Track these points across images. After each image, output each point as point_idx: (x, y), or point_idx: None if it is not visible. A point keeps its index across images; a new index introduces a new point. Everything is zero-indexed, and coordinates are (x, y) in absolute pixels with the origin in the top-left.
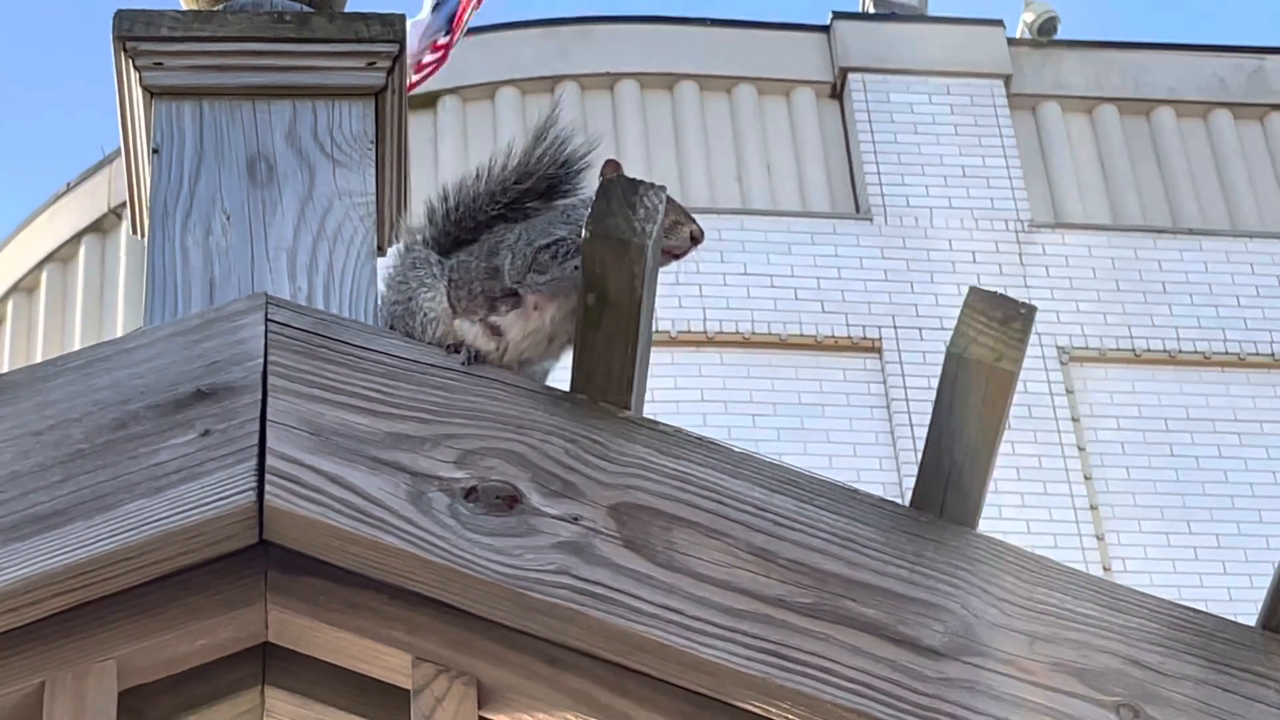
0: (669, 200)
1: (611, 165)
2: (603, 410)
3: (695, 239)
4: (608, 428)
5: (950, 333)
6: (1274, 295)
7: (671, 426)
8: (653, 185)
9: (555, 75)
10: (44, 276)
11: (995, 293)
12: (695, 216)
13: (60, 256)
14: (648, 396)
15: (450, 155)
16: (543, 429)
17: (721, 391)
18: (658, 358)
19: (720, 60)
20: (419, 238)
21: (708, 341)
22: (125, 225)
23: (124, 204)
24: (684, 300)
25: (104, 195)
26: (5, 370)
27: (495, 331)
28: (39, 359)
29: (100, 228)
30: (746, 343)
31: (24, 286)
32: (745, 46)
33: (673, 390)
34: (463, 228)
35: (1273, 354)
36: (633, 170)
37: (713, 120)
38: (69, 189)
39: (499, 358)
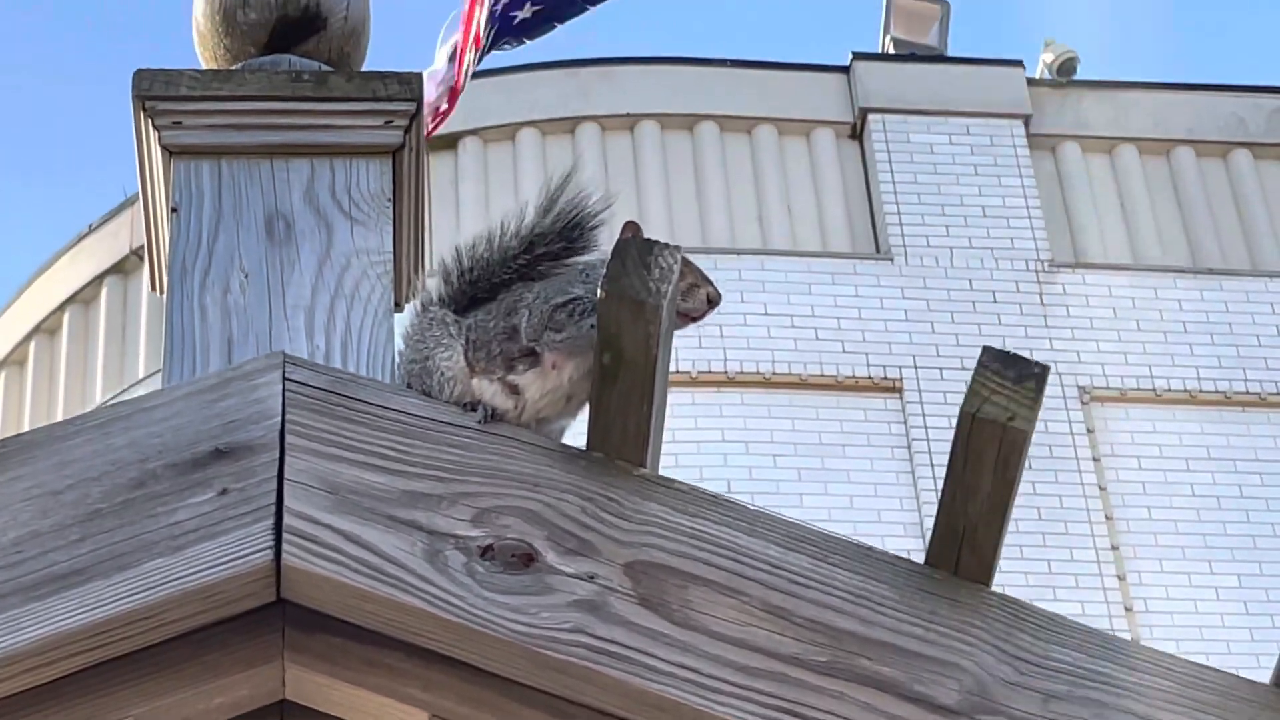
0: (685, 261)
1: (630, 226)
2: (618, 468)
3: (712, 301)
4: (623, 486)
5: (971, 373)
6: None
7: (687, 484)
8: (668, 246)
9: (576, 116)
10: (66, 318)
11: (1009, 352)
12: (712, 277)
13: (82, 298)
14: (669, 437)
15: (471, 196)
16: (558, 487)
17: (742, 432)
18: (678, 398)
19: (741, 101)
20: (436, 296)
21: (728, 382)
22: (147, 267)
23: (144, 246)
24: (704, 340)
25: (126, 237)
26: (27, 409)
27: (513, 390)
28: (60, 400)
29: (122, 269)
30: (767, 383)
31: (46, 328)
32: (765, 87)
33: (693, 430)
34: (479, 287)
35: None
36: (653, 210)
37: (733, 160)
38: (91, 230)
39: (516, 416)
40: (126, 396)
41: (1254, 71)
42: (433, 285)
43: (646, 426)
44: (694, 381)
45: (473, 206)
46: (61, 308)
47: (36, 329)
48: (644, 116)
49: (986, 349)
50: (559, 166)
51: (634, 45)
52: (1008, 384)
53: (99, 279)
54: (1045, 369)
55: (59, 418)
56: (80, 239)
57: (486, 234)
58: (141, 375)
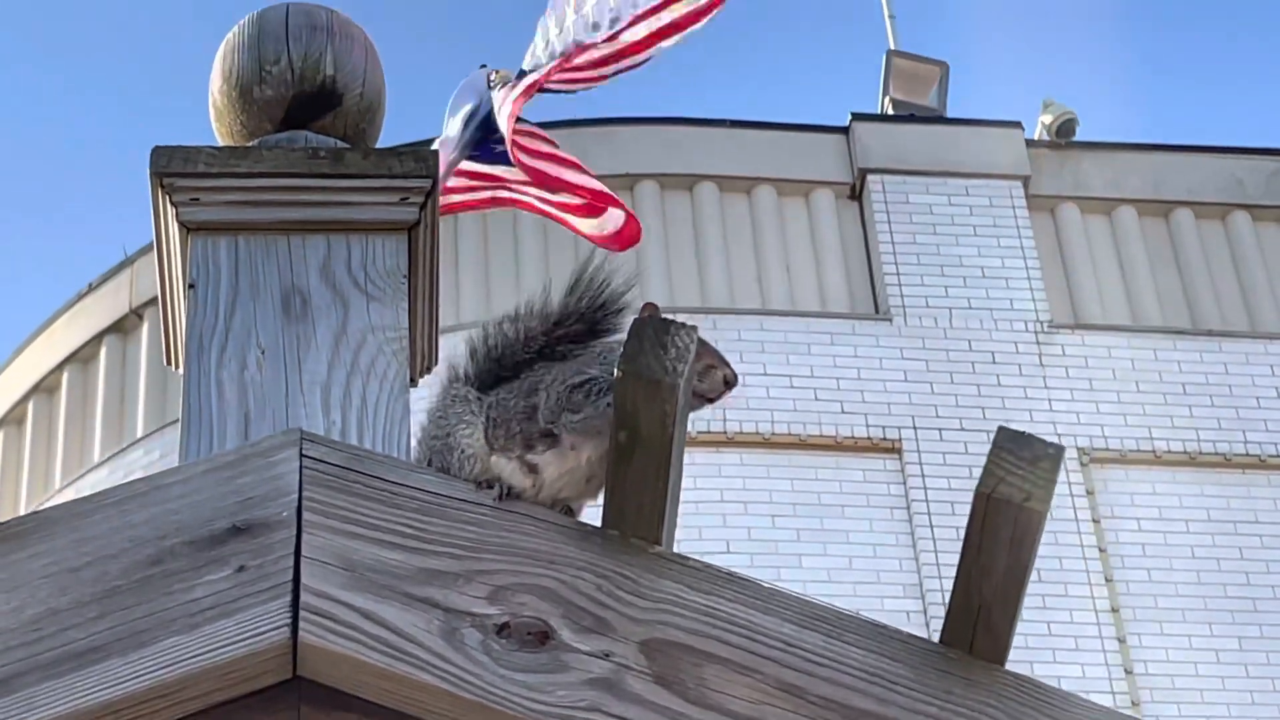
0: (702, 342)
1: (649, 308)
2: (634, 546)
3: (729, 384)
4: (639, 563)
5: (970, 433)
6: None
7: (701, 562)
8: (684, 325)
9: None
10: (65, 377)
11: (1023, 433)
12: (730, 359)
13: (81, 357)
14: None
15: (470, 257)
16: (574, 565)
17: (741, 492)
18: None
19: (740, 161)
20: (460, 373)
21: (727, 442)
22: (146, 326)
23: (146, 304)
24: None
25: (125, 296)
26: (25, 468)
27: (531, 469)
28: (59, 459)
29: (121, 328)
30: (766, 443)
31: (45, 386)
32: (765, 147)
33: (692, 490)
34: (503, 365)
35: None
36: (653, 270)
37: (732, 220)
38: (91, 289)
39: (534, 495)
40: (125, 456)
41: (1252, 134)
42: (458, 361)
43: (662, 505)
44: (693, 441)
45: (472, 269)
46: (60, 367)
47: (35, 388)
48: (643, 176)
49: (1002, 429)
50: (558, 226)
51: (633, 105)
52: (1023, 464)
53: (98, 338)
54: (1060, 449)
55: (57, 477)
56: (80, 298)
57: (512, 312)
58: (140, 435)
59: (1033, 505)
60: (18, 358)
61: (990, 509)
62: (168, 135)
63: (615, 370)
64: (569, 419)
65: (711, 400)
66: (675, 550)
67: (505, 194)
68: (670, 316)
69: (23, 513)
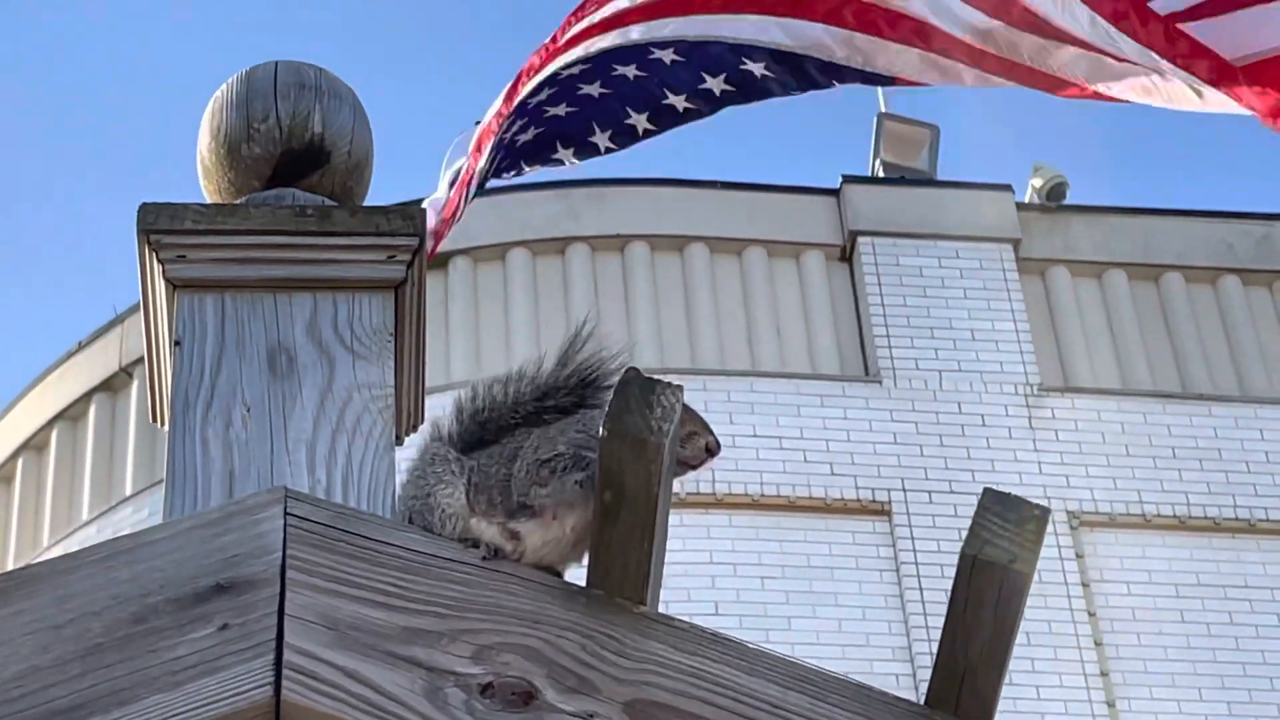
0: (686, 408)
1: (629, 372)
2: (618, 606)
3: (711, 451)
4: (623, 624)
5: (960, 496)
6: None
7: (687, 622)
8: (670, 385)
9: (566, 236)
10: (54, 435)
11: (1010, 495)
12: (713, 426)
13: (70, 415)
14: None
15: (460, 315)
16: (559, 624)
17: (730, 554)
18: None
19: (730, 223)
20: (443, 433)
21: (717, 503)
22: (136, 384)
23: (135, 362)
24: None
25: (115, 354)
26: (14, 526)
27: (514, 536)
28: (47, 518)
29: (111, 386)
30: (755, 505)
31: (34, 444)
32: (755, 209)
33: (681, 552)
34: (487, 429)
35: None
36: (643, 330)
37: (723, 282)
38: (80, 347)
39: (517, 560)
40: (114, 514)
41: (1242, 198)
42: (441, 420)
43: (647, 564)
44: (682, 503)
45: (461, 326)
46: (50, 424)
47: (24, 445)
48: (634, 237)
49: (988, 490)
50: (548, 287)
51: (624, 166)
52: (1009, 526)
53: (87, 396)
54: (1046, 511)
55: (46, 535)
56: (69, 356)
57: (503, 378)
58: (129, 493)
59: (1019, 567)
60: (7, 416)
61: (976, 571)
62: (157, 193)
63: (600, 429)
64: (538, 493)
65: (693, 467)
66: (661, 611)
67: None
68: (656, 376)
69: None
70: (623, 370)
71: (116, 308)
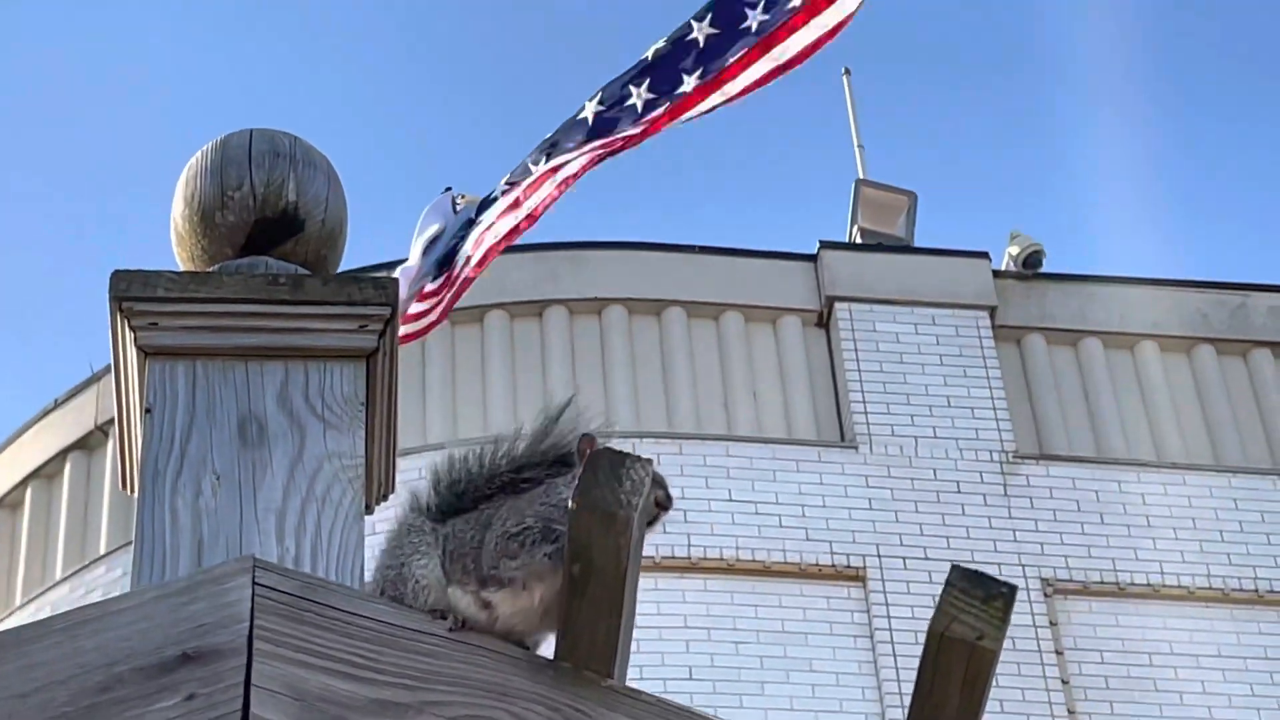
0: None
1: (587, 441)
2: (586, 679)
3: (661, 506)
4: (591, 697)
5: (934, 563)
6: (1257, 531)
7: (654, 696)
8: (639, 458)
9: (544, 299)
10: (28, 493)
11: (977, 571)
12: (666, 479)
13: (45, 473)
14: None
15: (437, 377)
16: (526, 697)
17: (705, 618)
18: (641, 583)
19: (708, 287)
20: (421, 503)
21: (691, 567)
22: (111, 444)
23: (111, 421)
24: (668, 525)
25: (91, 412)
26: None
27: (486, 605)
28: (20, 576)
29: (86, 445)
30: (730, 569)
31: (8, 503)
32: (733, 274)
33: (656, 616)
34: (464, 499)
35: (1256, 590)
36: (620, 394)
37: (700, 346)
38: (56, 405)
39: (490, 629)
40: (87, 573)
41: (1217, 268)
42: (420, 490)
43: (615, 638)
44: (657, 566)
45: (439, 388)
46: (24, 483)
47: None
48: (611, 301)
49: (955, 567)
50: (526, 349)
51: (602, 230)
52: (976, 603)
53: (62, 454)
54: (1013, 589)
55: (18, 594)
56: (45, 414)
57: (479, 449)
58: (103, 552)
59: (986, 644)
60: None
61: (943, 648)
62: (135, 248)
63: (568, 503)
64: (507, 565)
65: (649, 524)
66: (634, 674)
67: (461, 283)
68: (623, 449)
69: None
70: (590, 440)
71: (93, 366)
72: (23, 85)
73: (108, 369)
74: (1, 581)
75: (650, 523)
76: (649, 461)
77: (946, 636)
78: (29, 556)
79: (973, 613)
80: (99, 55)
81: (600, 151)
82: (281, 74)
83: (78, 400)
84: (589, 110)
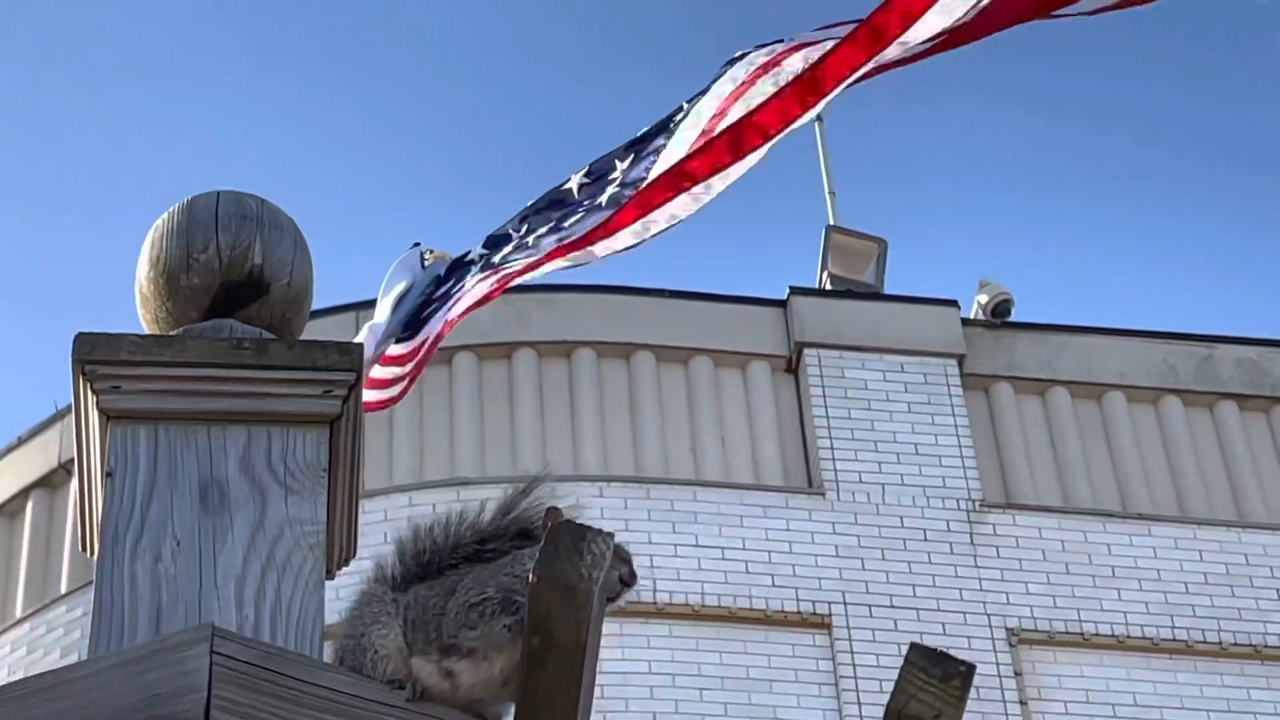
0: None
1: (554, 513)
2: None
3: (625, 582)
4: None
5: (900, 610)
6: (1221, 583)
7: None
8: (600, 532)
9: (513, 341)
10: None
11: (936, 650)
12: (632, 558)
13: (8, 510)
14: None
15: (404, 418)
16: None
17: (669, 664)
18: (606, 628)
19: (677, 331)
20: (385, 574)
21: (657, 613)
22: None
23: (74, 460)
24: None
25: (55, 450)
26: None
27: (449, 674)
28: None
29: (50, 483)
30: (696, 615)
31: None
32: (702, 319)
33: (620, 662)
34: (428, 570)
35: (1220, 642)
36: (587, 437)
37: (668, 390)
38: (20, 442)
39: (453, 699)
40: (48, 612)
41: (1185, 320)
42: (384, 561)
43: (574, 710)
44: (622, 612)
45: (406, 429)
46: None
47: None
48: (580, 344)
49: (914, 646)
50: (494, 391)
51: (573, 273)
52: (934, 682)
53: (25, 492)
54: (972, 667)
55: None
56: (8, 450)
57: (444, 520)
58: (64, 591)
59: None
60: None
61: None
62: (101, 288)
63: (529, 575)
64: (467, 635)
65: (611, 599)
66: None
67: (427, 352)
68: (584, 523)
69: None
70: (556, 513)
71: (58, 404)
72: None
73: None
74: None
75: (612, 598)
76: (610, 536)
77: (904, 715)
78: None
79: (931, 691)
80: (76, 84)
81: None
82: (252, 130)
83: (41, 438)
84: (574, 183)
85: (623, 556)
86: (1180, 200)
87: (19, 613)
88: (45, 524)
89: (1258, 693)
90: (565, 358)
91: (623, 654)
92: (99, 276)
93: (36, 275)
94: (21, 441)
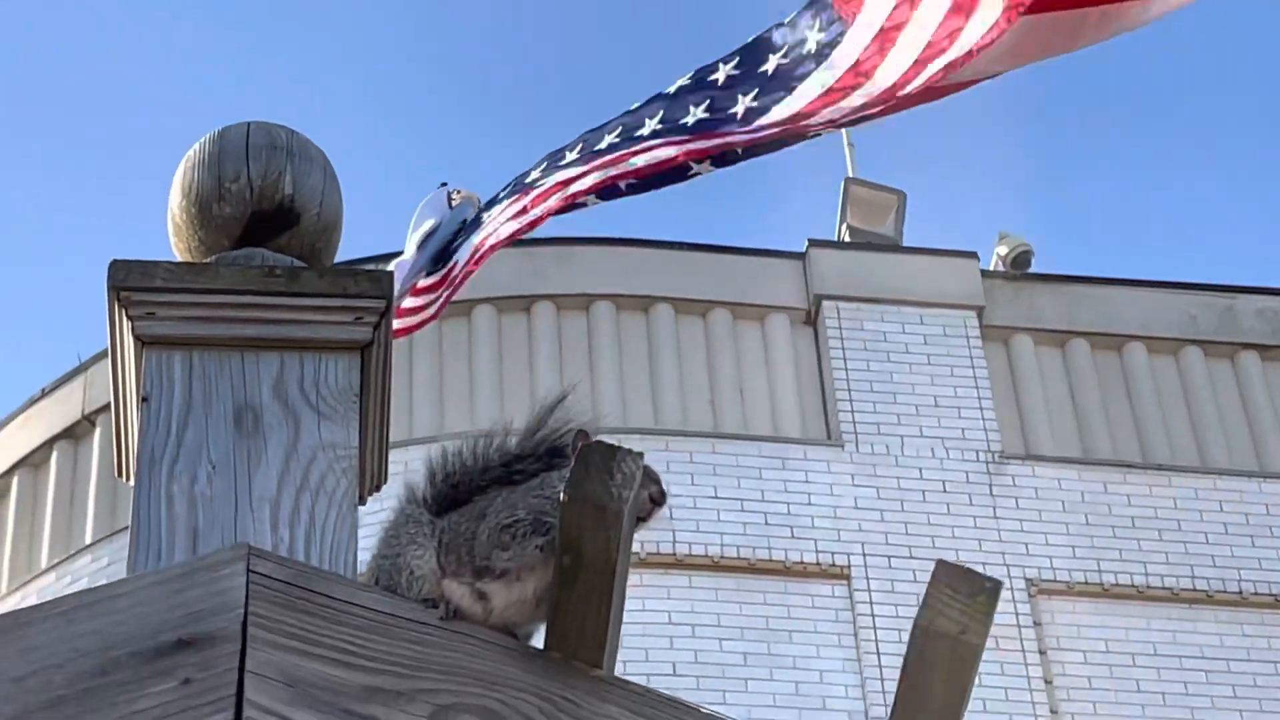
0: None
1: (581, 436)
2: (576, 669)
3: (655, 501)
4: (580, 686)
5: (919, 562)
6: (1241, 533)
7: (642, 686)
8: (630, 452)
9: (532, 294)
10: (14, 481)
11: (962, 567)
12: (660, 474)
13: (32, 461)
14: None
15: (425, 372)
16: (516, 686)
17: (689, 615)
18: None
19: (696, 284)
20: (417, 495)
21: (677, 564)
22: (99, 432)
23: (99, 410)
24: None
25: (78, 401)
26: None
27: (482, 596)
28: (6, 565)
29: (73, 434)
30: (715, 566)
31: None
32: (721, 271)
33: (640, 613)
34: (459, 491)
35: (1240, 591)
36: (606, 390)
37: (687, 343)
38: (44, 394)
39: (485, 621)
40: (73, 562)
41: (1206, 271)
42: (415, 482)
43: (605, 629)
44: (642, 563)
45: (426, 382)
46: (11, 471)
47: None
48: (599, 297)
49: (940, 562)
50: (513, 344)
51: (591, 226)
52: (960, 598)
53: (49, 443)
54: (998, 584)
55: (4, 583)
56: (32, 403)
57: (471, 442)
58: (89, 541)
59: (969, 638)
60: None
61: (927, 642)
62: (126, 243)
63: (560, 496)
64: (499, 556)
65: (641, 520)
66: (618, 673)
67: (460, 278)
68: (615, 442)
69: None
70: (585, 435)
71: (81, 356)
72: (18, 71)
73: (95, 358)
74: None
75: (643, 518)
76: (640, 455)
77: (931, 630)
78: (15, 545)
79: (957, 607)
80: (96, 42)
81: (611, 174)
82: (282, 64)
83: (65, 389)
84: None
85: (652, 476)
86: (1201, 151)
87: (44, 563)
88: (70, 475)
89: (1278, 642)
90: (584, 310)
91: (643, 605)
92: (127, 221)
93: (61, 228)
94: (45, 393)
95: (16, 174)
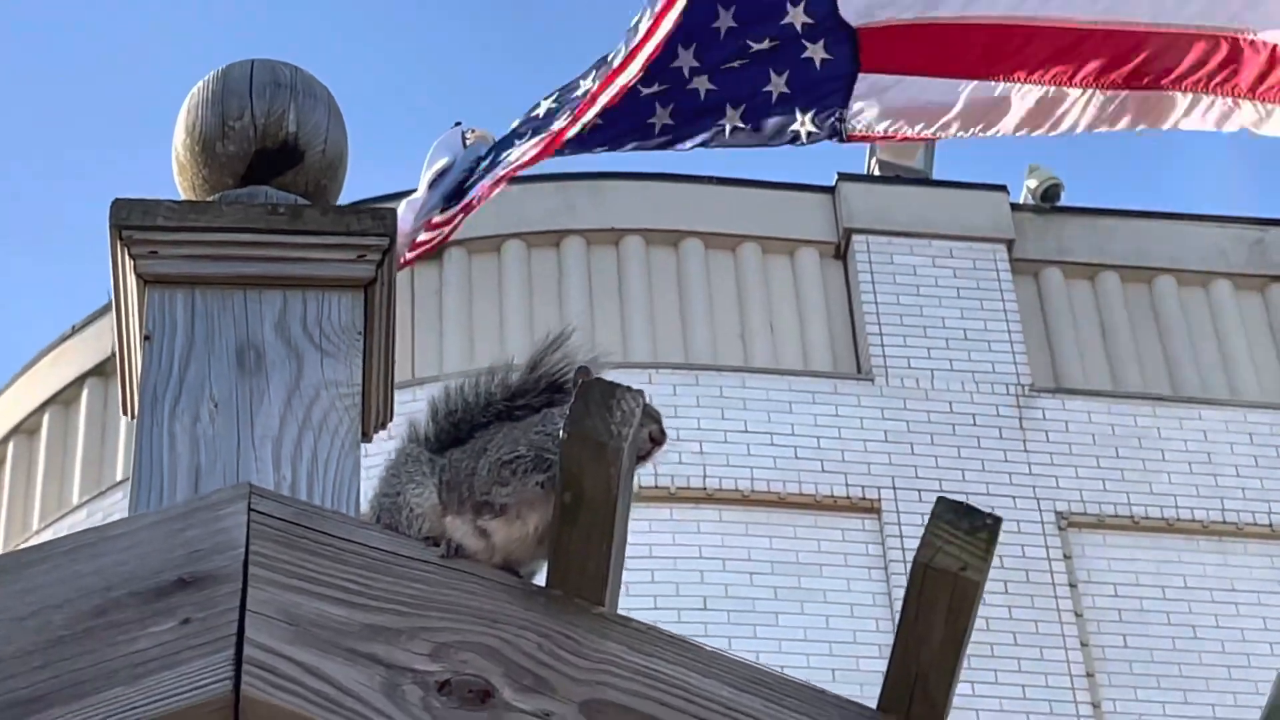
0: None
1: (584, 373)
2: (577, 606)
3: (655, 440)
4: (581, 624)
5: (950, 496)
6: (1273, 466)
7: (644, 624)
8: (629, 389)
9: (561, 229)
10: (46, 419)
11: (962, 503)
12: (660, 414)
13: (63, 399)
14: (646, 552)
15: (455, 306)
16: (517, 623)
17: (719, 549)
18: (656, 513)
19: (725, 218)
20: (419, 433)
21: (707, 498)
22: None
23: (118, 369)
24: (684, 456)
25: (108, 339)
26: (3, 510)
27: (483, 534)
28: (38, 502)
29: (103, 371)
30: (746, 500)
31: (25, 428)
32: (750, 205)
33: (670, 546)
34: (460, 428)
35: (1270, 524)
36: (636, 324)
37: (717, 277)
38: (74, 332)
39: (488, 558)
40: (104, 499)
41: (1236, 203)
42: (417, 419)
43: (606, 566)
44: (672, 497)
45: (456, 317)
46: (41, 409)
47: (16, 429)
48: (629, 231)
49: (941, 499)
50: (543, 279)
51: (620, 161)
52: (960, 534)
53: (80, 380)
54: (998, 520)
55: (35, 519)
56: (63, 340)
57: (474, 378)
58: (119, 478)
59: (969, 575)
60: None
61: (927, 579)
62: (142, 181)
63: (560, 433)
64: (499, 492)
65: (642, 458)
66: (645, 610)
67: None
68: (619, 380)
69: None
70: (586, 372)
71: (110, 292)
72: (37, 7)
73: None
74: (18, 507)
75: (643, 456)
76: (640, 393)
77: (930, 567)
78: (46, 483)
79: (957, 544)
80: None
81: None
82: (288, 3)
83: (95, 326)
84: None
85: (652, 414)
86: None
87: (75, 500)
88: (100, 412)
89: None
90: (614, 245)
91: (673, 539)
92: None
93: (87, 160)
94: (75, 330)
95: (48, 108)
